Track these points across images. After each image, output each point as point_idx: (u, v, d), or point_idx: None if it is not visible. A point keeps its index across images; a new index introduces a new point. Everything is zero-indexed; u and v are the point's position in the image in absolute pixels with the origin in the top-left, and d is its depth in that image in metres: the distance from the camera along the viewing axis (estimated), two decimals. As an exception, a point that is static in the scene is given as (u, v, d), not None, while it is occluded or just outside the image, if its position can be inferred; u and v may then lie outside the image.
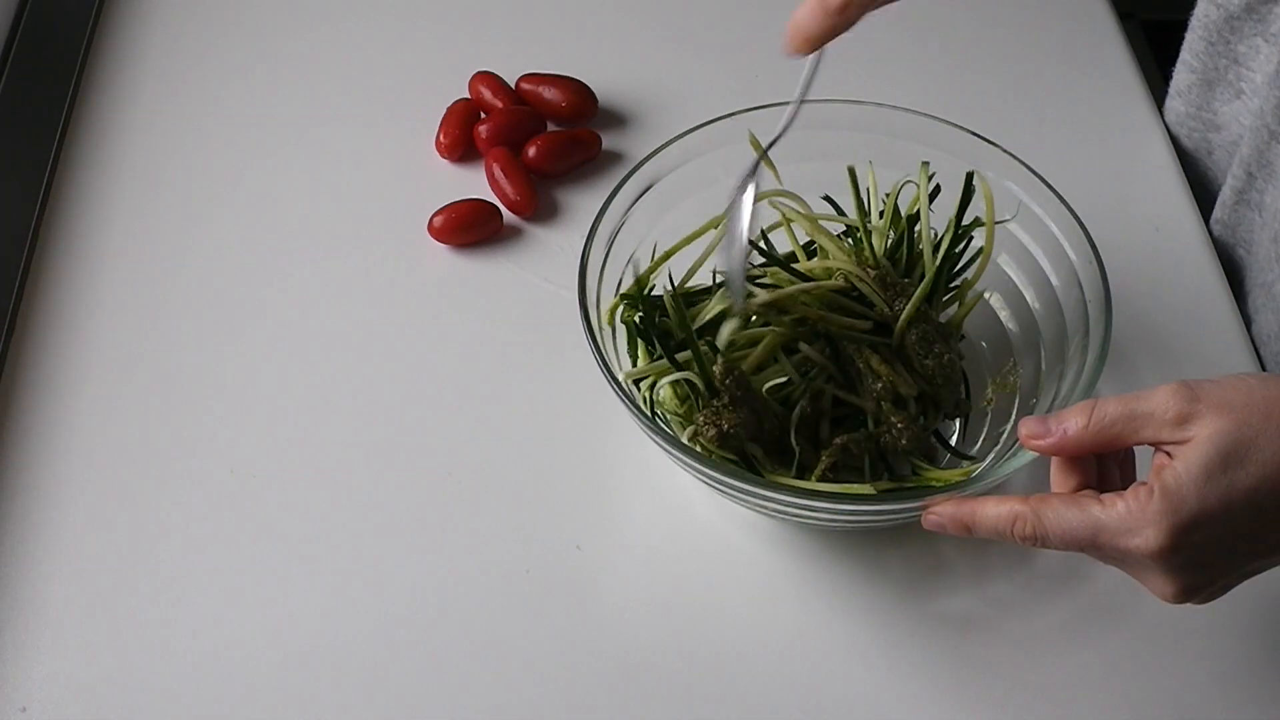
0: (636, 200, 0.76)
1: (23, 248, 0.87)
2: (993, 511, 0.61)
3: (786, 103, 0.79)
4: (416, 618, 0.72)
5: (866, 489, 0.68)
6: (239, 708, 0.69)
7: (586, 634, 0.72)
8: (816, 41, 0.63)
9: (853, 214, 0.78)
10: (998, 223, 0.76)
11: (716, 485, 0.69)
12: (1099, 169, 0.93)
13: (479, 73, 0.96)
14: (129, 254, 0.88)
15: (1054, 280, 0.76)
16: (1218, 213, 0.90)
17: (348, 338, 0.84)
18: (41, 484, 0.77)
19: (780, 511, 0.70)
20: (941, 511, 0.63)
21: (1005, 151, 0.77)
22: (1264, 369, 0.84)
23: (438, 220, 0.88)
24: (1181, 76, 0.95)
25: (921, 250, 0.75)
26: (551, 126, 0.95)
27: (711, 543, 0.75)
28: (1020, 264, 0.78)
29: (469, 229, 0.88)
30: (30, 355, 0.82)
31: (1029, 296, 0.78)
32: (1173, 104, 0.96)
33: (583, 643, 0.72)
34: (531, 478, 0.78)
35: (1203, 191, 0.94)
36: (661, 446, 0.68)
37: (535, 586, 0.74)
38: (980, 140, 0.77)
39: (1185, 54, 0.94)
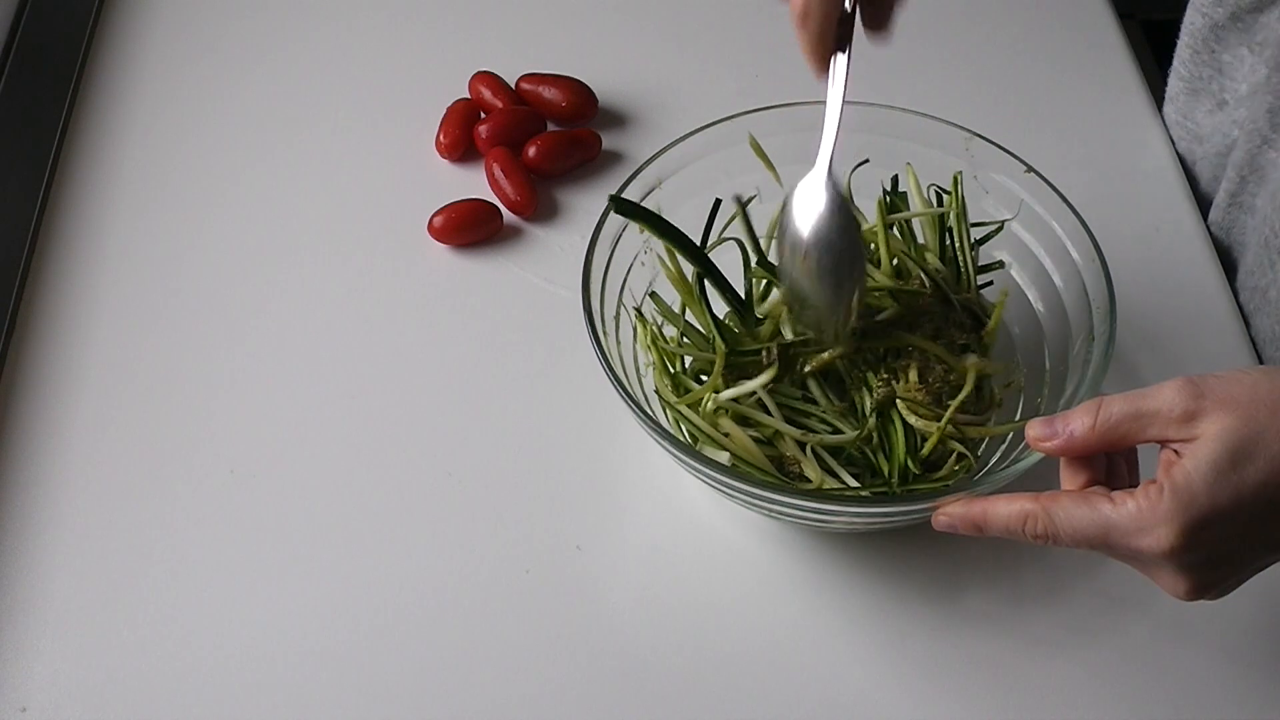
0: (641, 201, 0.76)
1: (23, 248, 0.87)
2: (1004, 510, 0.61)
3: (788, 105, 0.79)
4: (416, 617, 0.72)
5: (897, 488, 0.68)
6: (239, 707, 0.69)
7: (586, 634, 0.72)
8: (816, 56, 0.65)
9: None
10: (1004, 220, 0.76)
11: (718, 486, 0.69)
12: (1099, 169, 0.93)
13: (479, 73, 0.96)
14: (129, 254, 0.88)
15: (1057, 280, 0.76)
16: (1213, 215, 0.91)
17: (348, 338, 0.84)
18: (41, 484, 0.77)
19: (783, 514, 0.69)
20: (952, 512, 0.63)
21: (1006, 151, 0.77)
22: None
23: (438, 220, 0.88)
24: (1172, 83, 0.95)
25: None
26: (551, 126, 0.95)
27: (712, 542, 0.75)
28: (1023, 264, 0.78)
29: (469, 229, 0.88)
30: (30, 355, 0.82)
31: (1031, 296, 0.78)
32: (1167, 109, 0.96)
33: (583, 642, 0.72)
34: (531, 478, 0.78)
35: (1200, 192, 0.94)
36: (666, 449, 0.68)
37: (535, 586, 0.73)
38: (981, 140, 0.77)
39: (1175, 61, 0.94)
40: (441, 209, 0.88)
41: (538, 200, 0.90)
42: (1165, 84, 0.97)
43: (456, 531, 0.76)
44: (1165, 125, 0.96)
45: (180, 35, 1.01)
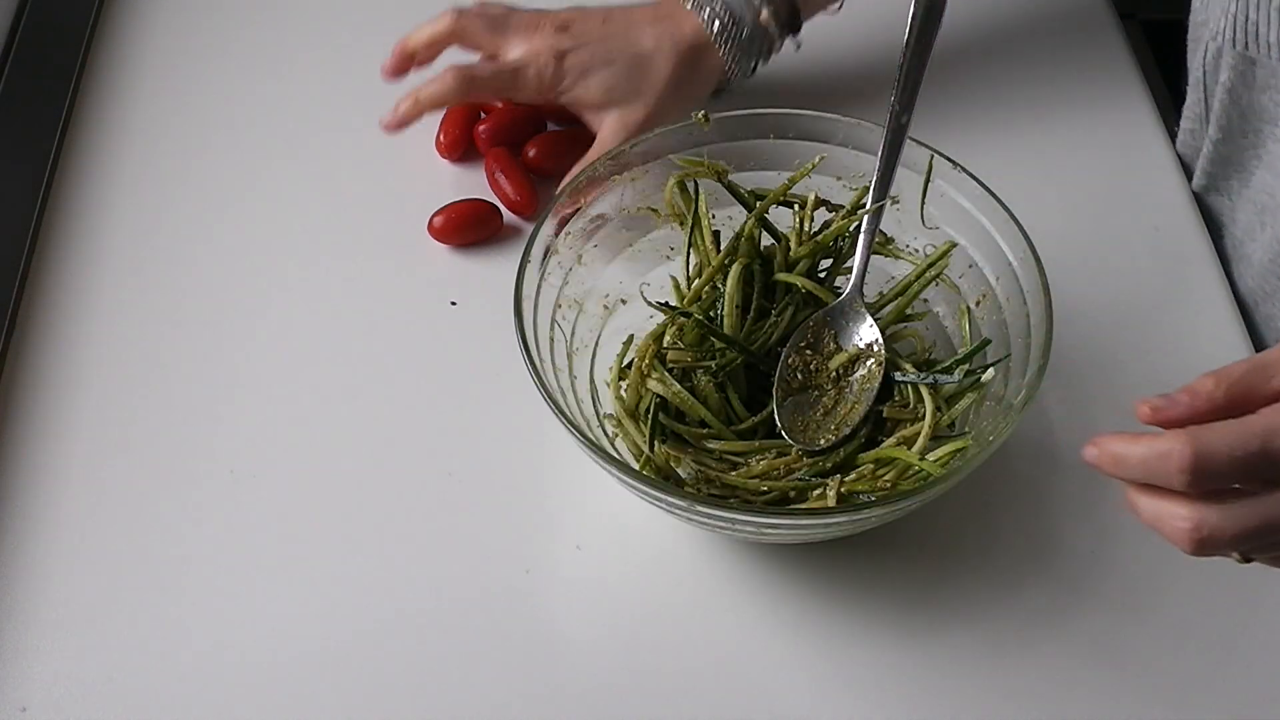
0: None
1: (23, 248, 0.87)
2: (1143, 448, 0.54)
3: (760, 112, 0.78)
4: (416, 617, 0.72)
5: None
6: (238, 707, 0.69)
7: (586, 634, 0.72)
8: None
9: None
10: (956, 243, 0.75)
11: (667, 508, 0.68)
12: (1098, 168, 0.93)
13: (479, 73, 0.96)
14: (129, 254, 0.88)
15: (996, 286, 0.74)
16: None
17: (348, 338, 0.84)
18: (41, 484, 0.77)
19: (722, 528, 0.69)
20: (1101, 443, 0.55)
21: (931, 148, 0.75)
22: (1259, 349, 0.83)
23: (438, 220, 0.88)
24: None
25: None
26: (551, 126, 0.95)
27: (711, 543, 0.75)
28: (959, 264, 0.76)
29: (469, 229, 0.88)
30: (30, 355, 0.82)
31: (970, 300, 0.76)
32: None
33: (583, 643, 0.72)
34: (531, 478, 0.78)
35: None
36: (600, 463, 0.67)
37: (535, 586, 0.74)
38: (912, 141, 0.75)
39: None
40: (441, 209, 0.88)
41: (538, 200, 0.90)
42: (1166, 83, 0.97)
43: (456, 531, 0.76)
44: (1164, 125, 0.96)
45: (180, 35, 1.01)
